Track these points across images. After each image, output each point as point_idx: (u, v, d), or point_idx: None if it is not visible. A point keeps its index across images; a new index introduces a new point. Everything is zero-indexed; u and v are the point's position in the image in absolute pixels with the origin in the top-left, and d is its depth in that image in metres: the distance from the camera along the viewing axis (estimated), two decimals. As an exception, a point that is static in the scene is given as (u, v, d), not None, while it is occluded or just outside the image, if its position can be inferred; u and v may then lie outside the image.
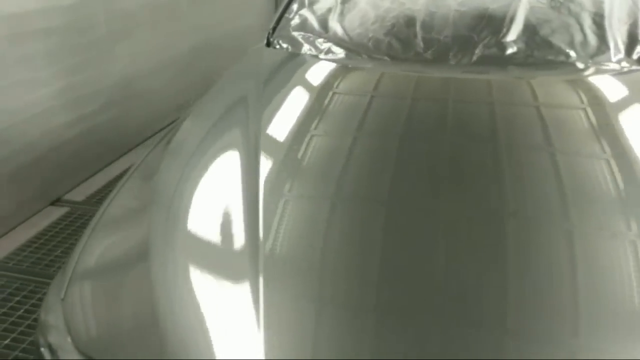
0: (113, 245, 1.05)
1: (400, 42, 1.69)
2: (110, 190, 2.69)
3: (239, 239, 0.97)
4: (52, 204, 2.63)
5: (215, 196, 1.10)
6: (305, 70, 1.64)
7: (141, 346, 0.84)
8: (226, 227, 1.01)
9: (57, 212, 2.55)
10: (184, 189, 1.13)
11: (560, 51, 1.60)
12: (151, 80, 3.37)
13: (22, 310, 1.92)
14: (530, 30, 1.64)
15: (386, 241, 0.95)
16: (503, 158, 1.17)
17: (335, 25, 1.81)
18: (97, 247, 1.05)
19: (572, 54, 1.59)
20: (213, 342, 0.81)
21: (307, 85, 1.56)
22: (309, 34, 1.82)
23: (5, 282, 2.07)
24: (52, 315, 0.95)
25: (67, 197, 2.70)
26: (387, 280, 0.88)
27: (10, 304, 1.95)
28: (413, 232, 0.96)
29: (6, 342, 1.78)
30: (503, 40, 1.63)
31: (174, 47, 3.61)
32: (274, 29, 1.94)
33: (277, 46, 1.85)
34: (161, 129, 3.55)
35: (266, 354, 0.77)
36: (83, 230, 2.36)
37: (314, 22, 1.84)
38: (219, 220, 1.03)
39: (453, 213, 1.00)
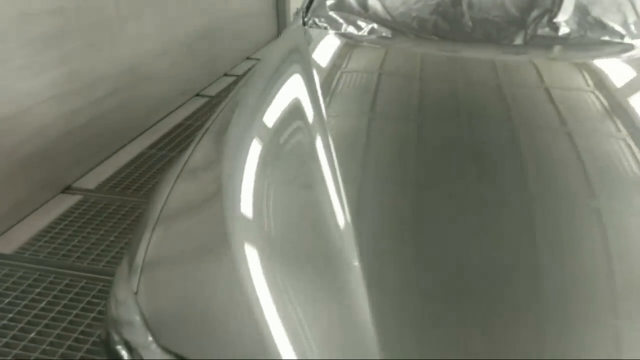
0: (185, 234, 0.97)
1: (447, 21, 1.63)
2: (125, 178, 2.62)
3: (326, 225, 0.91)
4: (63, 192, 2.52)
5: (291, 182, 1.04)
6: (355, 50, 1.58)
7: (235, 342, 0.78)
8: (310, 211, 0.95)
9: (70, 201, 2.45)
10: (256, 173, 1.06)
11: (614, 32, 1.56)
12: (158, 64, 3.25)
13: (44, 303, 1.83)
14: (581, 10, 1.60)
15: (475, 229, 0.91)
16: (561, 141, 1.15)
17: (375, 5, 1.74)
18: (166, 236, 0.97)
19: (626, 34, 1.55)
20: (319, 336, 0.76)
21: (361, 65, 1.50)
22: (348, 14, 1.74)
23: (23, 273, 1.97)
24: (124, 311, 0.88)
25: (78, 184, 2.59)
26: (477, 268, 0.84)
27: (31, 296, 1.86)
28: (496, 218, 0.93)
29: (32, 335, 1.69)
30: (554, 20, 1.58)
31: (179, 30, 3.48)
32: (307, 8, 1.86)
33: (314, 26, 1.77)
34: (168, 114, 3.44)
35: (382, 353, 0.71)
36: (99, 218, 2.30)
37: (352, 1, 1.77)
38: (301, 205, 0.97)
39: (514, 196, 0.98)
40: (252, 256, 0.89)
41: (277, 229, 0.95)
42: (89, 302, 1.83)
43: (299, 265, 0.87)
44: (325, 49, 1.62)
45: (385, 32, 1.66)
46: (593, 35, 1.57)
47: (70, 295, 1.86)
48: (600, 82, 1.39)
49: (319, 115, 1.20)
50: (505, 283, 0.81)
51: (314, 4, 1.85)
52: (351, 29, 1.70)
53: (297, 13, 1.89)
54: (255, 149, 1.14)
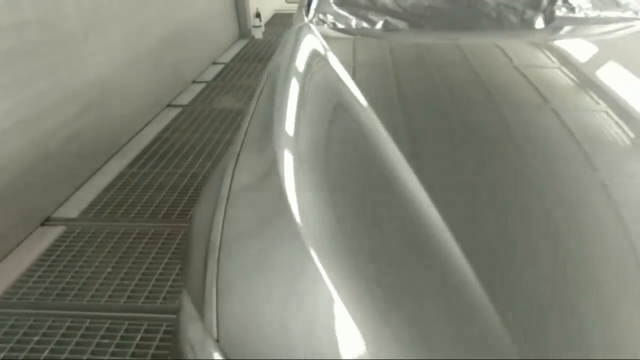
0: (262, 258, 0.84)
1: (462, 9, 1.59)
2: (110, 201, 2.41)
3: (416, 223, 0.82)
4: (43, 224, 2.28)
5: (364, 181, 0.94)
6: (374, 44, 1.50)
7: None
8: (395, 211, 0.86)
9: (52, 233, 2.22)
10: (323, 179, 0.95)
11: (627, 8, 1.57)
12: (126, 76, 3.04)
13: (47, 351, 1.63)
14: None
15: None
16: (598, 124, 1.13)
17: (383, -3, 1.67)
18: (239, 264, 0.84)
19: (639, 9, 1.57)
20: (450, 344, 0.67)
21: (384, 59, 1.42)
22: (356, 8, 1.66)
23: (15, 320, 1.76)
24: (209, 363, 0.75)
25: (58, 214, 2.36)
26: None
27: (31, 346, 1.65)
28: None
29: (41, 391, 1.50)
30: (570, 1, 1.58)
31: (142, 39, 3.27)
32: (308, 5, 1.76)
33: (320, 23, 1.67)
34: (142, 128, 3.23)
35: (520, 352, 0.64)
36: (89, 249, 2.10)
37: None
38: (384, 205, 0.87)
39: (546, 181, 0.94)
40: (351, 271, 0.77)
41: (366, 234, 0.84)
42: (98, 344, 1.65)
43: (403, 272, 0.77)
44: (341, 44, 1.53)
45: (401, 25, 1.59)
46: (607, 14, 1.57)
47: (75, 339, 1.67)
48: (620, 58, 1.40)
49: (366, 111, 1.11)
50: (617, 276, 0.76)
51: (316, 1, 1.75)
52: (363, 24, 1.62)
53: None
54: (313, 153, 1.04)
